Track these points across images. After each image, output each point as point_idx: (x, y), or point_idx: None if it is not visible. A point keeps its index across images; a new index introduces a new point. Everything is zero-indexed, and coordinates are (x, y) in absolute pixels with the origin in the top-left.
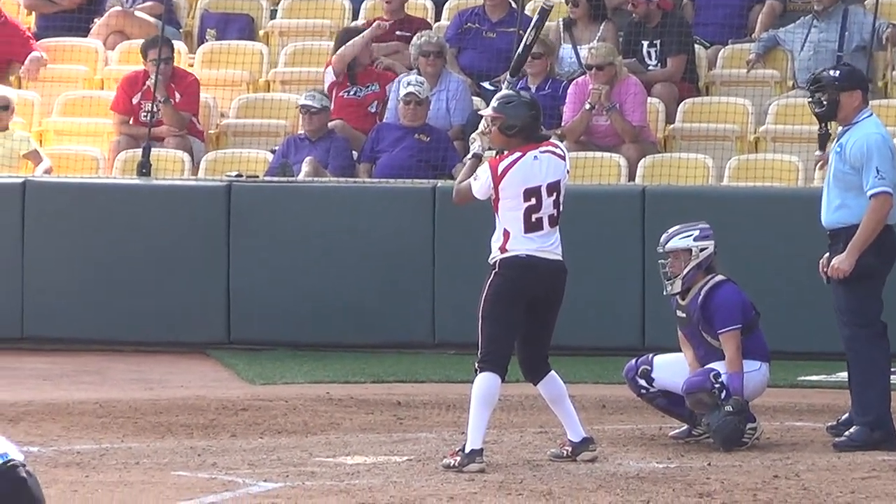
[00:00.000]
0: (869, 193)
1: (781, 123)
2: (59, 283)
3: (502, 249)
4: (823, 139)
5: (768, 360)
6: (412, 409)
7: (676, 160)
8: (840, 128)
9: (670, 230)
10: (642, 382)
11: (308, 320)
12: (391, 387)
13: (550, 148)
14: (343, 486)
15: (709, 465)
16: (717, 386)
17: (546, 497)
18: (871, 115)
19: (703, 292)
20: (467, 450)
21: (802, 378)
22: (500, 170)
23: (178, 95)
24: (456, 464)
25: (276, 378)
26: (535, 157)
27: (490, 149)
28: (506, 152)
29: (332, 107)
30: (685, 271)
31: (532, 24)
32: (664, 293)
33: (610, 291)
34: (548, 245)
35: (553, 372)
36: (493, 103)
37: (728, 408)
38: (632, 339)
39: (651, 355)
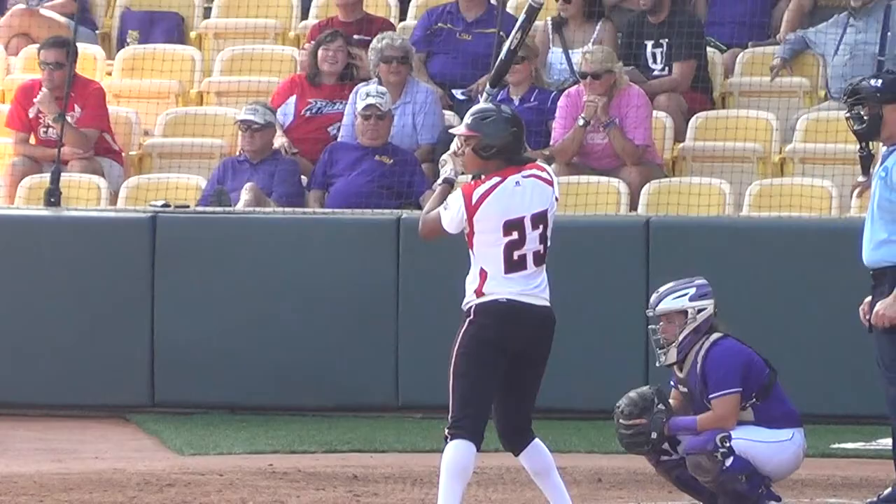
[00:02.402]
0: None
1: (812, 141)
2: None
3: (478, 293)
4: (866, 161)
5: (800, 424)
6: (371, 483)
7: (687, 186)
8: (884, 148)
9: (661, 289)
10: (664, 446)
11: (248, 379)
12: (346, 457)
13: (535, 171)
14: None
15: None
16: (722, 450)
17: None
18: None
19: (699, 357)
20: None
21: (836, 446)
22: (474, 198)
23: (77, 109)
24: None
25: (208, 447)
26: (517, 182)
27: (464, 173)
28: (482, 177)
29: (284, 122)
30: (681, 337)
31: (517, 24)
32: (657, 364)
33: (608, 343)
34: (533, 288)
35: (538, 440)
36: (467, 119)
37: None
38: None
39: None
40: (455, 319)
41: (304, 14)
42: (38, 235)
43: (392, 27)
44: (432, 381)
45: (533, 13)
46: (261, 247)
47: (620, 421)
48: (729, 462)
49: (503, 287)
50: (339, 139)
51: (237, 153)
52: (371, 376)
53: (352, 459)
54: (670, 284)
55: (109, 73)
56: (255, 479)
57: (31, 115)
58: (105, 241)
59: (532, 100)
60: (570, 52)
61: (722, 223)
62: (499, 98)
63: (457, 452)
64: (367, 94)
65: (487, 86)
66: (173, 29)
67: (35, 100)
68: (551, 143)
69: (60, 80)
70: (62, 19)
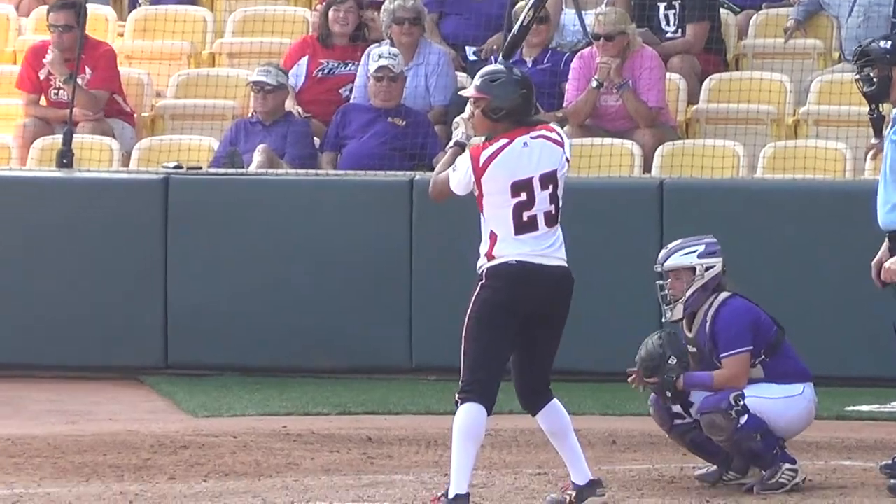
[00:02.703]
0: None
1: (826, 103)
2: None
3: (489, 256)
4: (877, 123)
5: (810, 378)
6: (385, 446)
7: (700, 148)
8: (895, 110)
9: (670, 246)
10: (677, 409)
11: (261, 341)
12: (360, 419)
13: (544, 132)
14: None
15: None
16: (736, 408)
17: None
18: None
19: (709, 316)
20: (451, 495)
21: (850, 409)
22: (482, 160)
23: (88, 71)
24: None
25: (222, 409)
26: (525, 143)
27: (475, 136)
28: (492, 139)
29: (297, 84)
30: (688, 294)
31: (531, 1)
32: (663, 320)
33: (621, 305)
34: (545, 248)
35: (555, 401)
36: (477, 81)
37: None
38: None
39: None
40: (468, 281)
41: None
42: (51, 197)
43: None
44: (446, 343)
45: None
46: (273, 209)
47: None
48: (744, 420)
49: (513, 248)
50: (351, 101)
51: (249, 115)
52: (384, 338)
53: (365, 421)
54: (679, 241)
55: (121, 35)
56: (269, 440)
57: (42, 76)
58: (118, 202)
59: (545, 61)
60: (582, 13)
61: (736, 185)
62: (511, 60)
63: (468, 416)
64: (380, 56)
65: (501, 57)
66: None
67: (44, 61)
68: (564, 104)
69: (70, 42)
70: None
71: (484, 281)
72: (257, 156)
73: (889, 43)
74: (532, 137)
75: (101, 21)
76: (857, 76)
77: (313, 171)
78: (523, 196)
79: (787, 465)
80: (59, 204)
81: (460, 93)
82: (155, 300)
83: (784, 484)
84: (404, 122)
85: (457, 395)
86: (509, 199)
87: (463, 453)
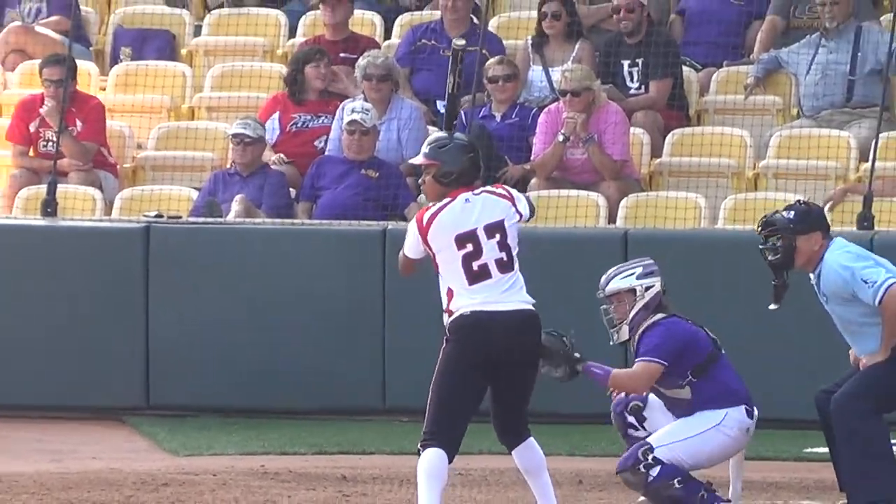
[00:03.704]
0: (877, 301)
1: (784, 157)
2: None
3: (448, 311)
4: (780, 291)
5: (739, 402)
6: (360, 484)
7: (663, 199)
8: (811, 276)
9: (609, 271)
10: (631, 420)
11: (239, 383)
12: (335, 459)
13: (489, 188)
14: None
15: None
16: (645, 462)
17: None
18: (832, 243)
19: (640, 332)
20: None
21: (809, 450)
22: (425, 220)
23: (79, 123)
24: None
25: (202, 449)
26: (467, 199)
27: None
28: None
29: (272, 138)
30: (631, 315)
31: (449, 68)
32: (611, 343)
33: (587, 351)
34: (501, 293)
35: (531, 439)
36: (425, 149)
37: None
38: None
39: (647, 393)
40: (439, 327)
41: (292, 32)
42: (36, 244)
43: (377, 45)
44: (418, 386)
45: (457, 55)
46: (251, 256)
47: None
48: (655, 472)
49: (467, 300)
50: (326, 153)
51: (228, 166)
52: (359, 381)
53: (341, 461)
54: (617, 266)
55: (103, 89)
56: (247, 479)
57: (32, 129)
58: (101, 249)
59: (514, 116)
60: (549, 70)
61: (698, 236)
62: (481, 115)
63: (430, 458)
64: (353, 111)
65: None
66: (165, 46)
67: (42, 111)
68: (532, 157)
69: (61, 95)
70: (57, 36)
71: (447, 336)
72: (235, 205)
73: (792, 213)
74: (475, 194)
75: (84, 75)
76: (762, 245)
77: (289, 221)
78: (469, 247)
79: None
80: (44, 251)
81: (410, 161)
82: (136, 343)
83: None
84: (377, 174)
85: (419, 443)
86: (456, 251)
87: (427, 491)
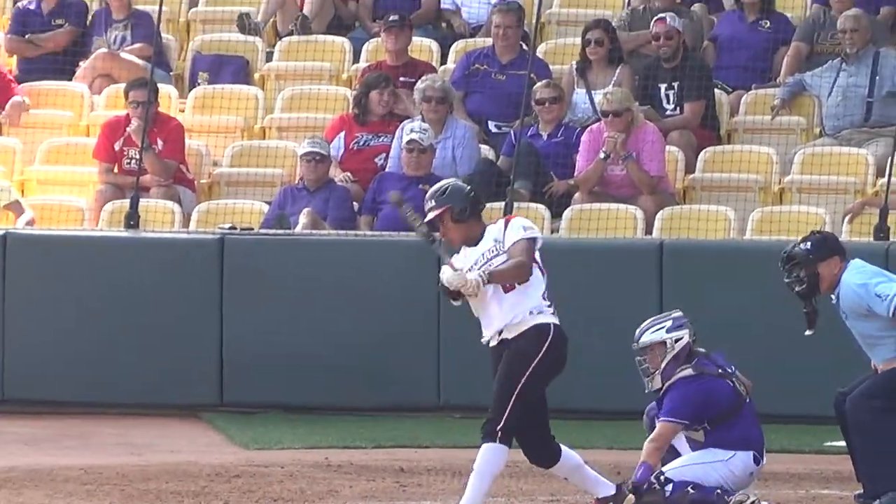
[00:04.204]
0: (890, 313)
1: (808, 173)
2: (42, 343)
3: (536, 314)
4: (812, 317)
5: (749, 448)
6: (416, 475)
7: (696, 212)
8: (832, 295)
9: (642, 325)
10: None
11: (305, 381)
12: (393, 452)
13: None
14: None
15: None
16: (659, 480)
17: None
18: (849, 264)
19: (667, 387)
20: None
21: (829, 444)
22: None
23: (160, 142)
24: None
25: (271, 443)
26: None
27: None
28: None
29: (337, 155)
30: (663, 365)
31: (419, 222)
32: (646, 391)
33: (625, 352)
34: None
35: (563, 447)
36: (430, 202)
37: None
38: (648, 402)
39: None
40: None
41: (356, 57)
42: (120, 254)
43: (434, 70)
44: (471, 384)
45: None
46: (317, 265)
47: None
48: (670, 487)
49: (549, 310)
50: (386, 170)
51: (296, 181)
52: (415, 380)
53: (398, 454)
54: (650, 320)
55: (182, 110)
56: (312, 470)
57: (117, 147)
58: (179, 259)
59: (559, 135)
60: (592, 92)
61: (727, 246)
62: (529, 134)
63: (499, 456)
64: (412, 130)
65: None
66: (239, 71)
67: (129, 129)
68: (575, 173)
69: (143, 116)
70: (140, 62)
71: (544, 340)
72: (303, 218)
73: (809, 243)
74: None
75: (164, 98)
76: (787, 279)
77: (353, 232)
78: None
79: (737, 496)
80: (127, 260)
81: (427, 220)
82: (212, 346)
83: (742, 501)
84: None
85: (499, 430)
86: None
87: (485, 484)
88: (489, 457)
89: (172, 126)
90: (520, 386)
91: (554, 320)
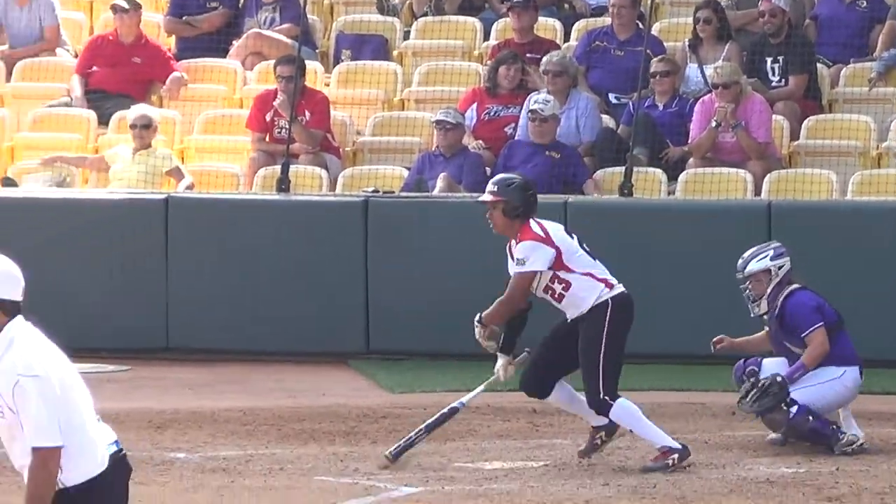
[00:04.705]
0: None
1: None
2: (202, 296)
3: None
4: None
5: (856, 364)
6: (547, 416)
7: (801, 175)
8: None
9: (745, 255)
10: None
11: (445, 330)
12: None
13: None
14: (481, 491)
15: (837, 469)
16: (785, 403)
17: (678, 501)
18: None
19: (778, 304)
20: (672, 447)
21: None
22: (542, 233)
23: (307, 114)
24: (674, 462)
25: (414, 387)
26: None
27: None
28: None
29: (470, 125)
30: (768, 291)
31: (432, 421)
32: (751, 315)
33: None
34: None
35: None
36: (492, 187)
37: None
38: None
39: (760, 357)
40: (630, 286)
41: (486, 36)
42: (272, 216)
43: (557, 47)
44: None
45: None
46: (453, 225)
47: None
48: (794, 410)
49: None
50: (515, 138)
51: (433, 149)
52: (543, 328)
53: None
54: (752, 250)
55: (327, 85)
56: None
57: (268, 118)
58: (327, 220)
59: (674, 106)
60: (703, 66)
61: (830, 206)
62: (646, 105)
63: (628, 405)
64: (535, 101)
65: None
66: (379, 48)
67: (275, 103)
68: (689, 141)
69: (292, 89)
70: (288, 41)
71: (610, 310)
72: (439, 182)
73: None
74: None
75: (310, 73)
76: None
77: None
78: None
79: (848, 435)
80: (278, 221)
81: (479, 199)
82: (358, 298)
83: (853, 442)
84: (559, 155)
85: (609, 398)
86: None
87: (645, 428)
88: (622, 414)
89: (318, 99)
90: (601, 357)
91: (608, 296)
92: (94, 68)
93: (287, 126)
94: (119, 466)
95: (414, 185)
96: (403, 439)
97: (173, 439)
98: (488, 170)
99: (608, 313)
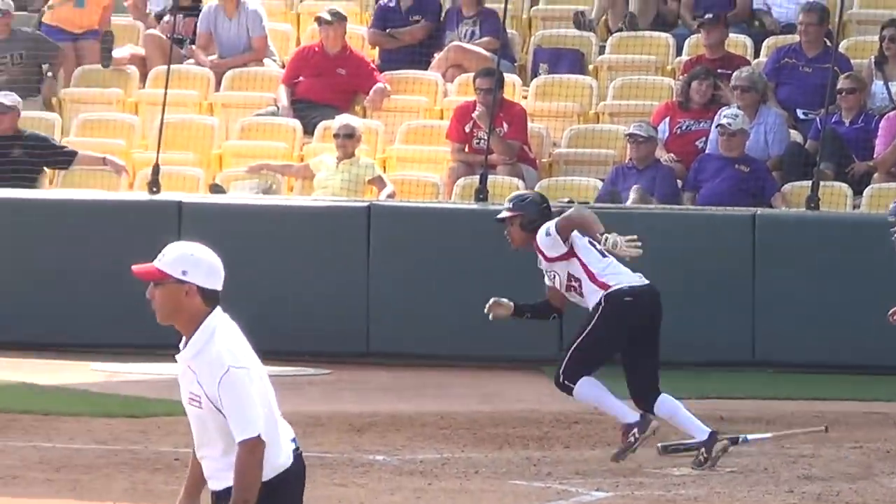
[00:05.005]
0: None
1: None
2: (402, 302)
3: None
4: None
5: None
6: (734, 424)
7: None
8: None
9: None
10: None
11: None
12: (715, 403)
13: None
14: (670, 496)
15: None
16: None
17: None
18: None
19: None
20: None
21: None
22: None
23: (505, 125)
24: (636, 437)
25: None
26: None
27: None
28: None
29: (662, 138)
30: None
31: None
32: None
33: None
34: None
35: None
36: (508, 204)
37: None
38: None
39: None
40: (804, 294)
41: (679, 51)
42: (470, 224)
43: (747, 63)
44: (784, 340)
45: None
46: (646, 235)
47: None
48: None
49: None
50: (705, 152)
51: (626, 161)
52: (731, 338)
53: (720, 405)
54: None
55: (525, 97)
56: None
57: (467, 130)
58: None
59: (860, 122)
60: (889, 83)
61: None
62: (833, 121)
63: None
64: (724, 116)
65: None
66: (575, 62)
67: (474, 115)
68: (874, 156)
69: (491, 101)
70: (487, 54)
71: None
72: (632, 194)
73: None
74: None
75: (509, 86)
76: None
77: (677, 207)
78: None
79: None
80: (476, 229)
81: (497, 217)
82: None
83: None
84: (748, 169)
85: None
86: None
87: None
88: (586, 392)
89: (516, 111)
90: (577, 341)
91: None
92: (300, 78)
93: (485, 137)
94: (299, 463)
95: (608, 196)
96: (684, 442)
97: (372, 442)
98: (680, 182)
99: (604, 306)
